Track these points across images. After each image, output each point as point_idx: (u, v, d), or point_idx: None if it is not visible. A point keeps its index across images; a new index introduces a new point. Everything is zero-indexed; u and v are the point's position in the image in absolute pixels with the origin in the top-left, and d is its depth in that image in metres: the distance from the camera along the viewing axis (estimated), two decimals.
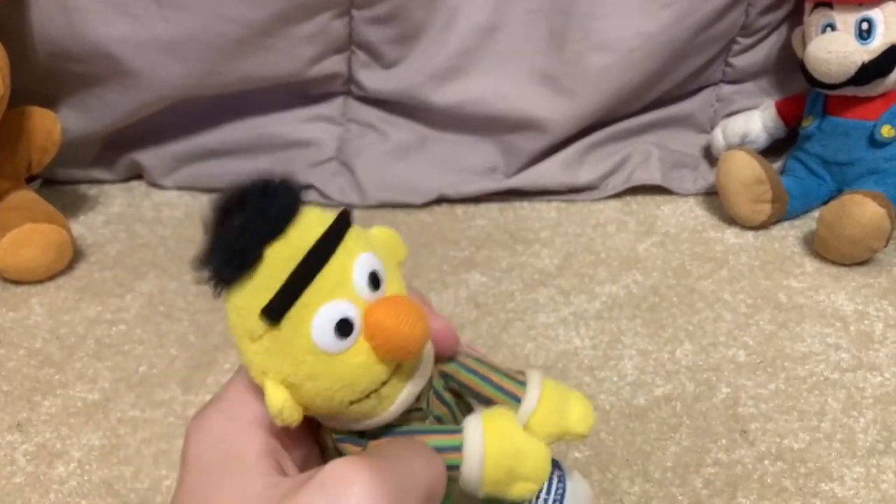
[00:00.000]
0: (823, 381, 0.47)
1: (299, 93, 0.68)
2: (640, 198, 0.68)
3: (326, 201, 0.67)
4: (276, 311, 0.22)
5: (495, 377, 0.27)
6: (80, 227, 0.64)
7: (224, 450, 0.25)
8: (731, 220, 0.64)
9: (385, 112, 0.70)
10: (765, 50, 0.69)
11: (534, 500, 0.29)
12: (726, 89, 0.71)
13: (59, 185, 0.70)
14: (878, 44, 0.59)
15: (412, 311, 0.23)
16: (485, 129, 0.68)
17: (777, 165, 0.68)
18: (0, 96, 0.53)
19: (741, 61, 0.69)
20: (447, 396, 0.27)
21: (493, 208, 0.67)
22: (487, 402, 0.27)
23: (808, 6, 0.63)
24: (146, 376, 0.48)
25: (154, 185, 0.70)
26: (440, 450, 0.25)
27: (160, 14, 0.60)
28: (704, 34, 0.65)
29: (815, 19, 0.62)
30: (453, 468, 0.25)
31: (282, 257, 0.23)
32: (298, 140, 0.69)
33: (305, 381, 0.23)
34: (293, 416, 0.23)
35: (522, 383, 0.27)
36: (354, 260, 0.24)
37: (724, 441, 0.43)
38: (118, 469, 0.42)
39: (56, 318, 0.53)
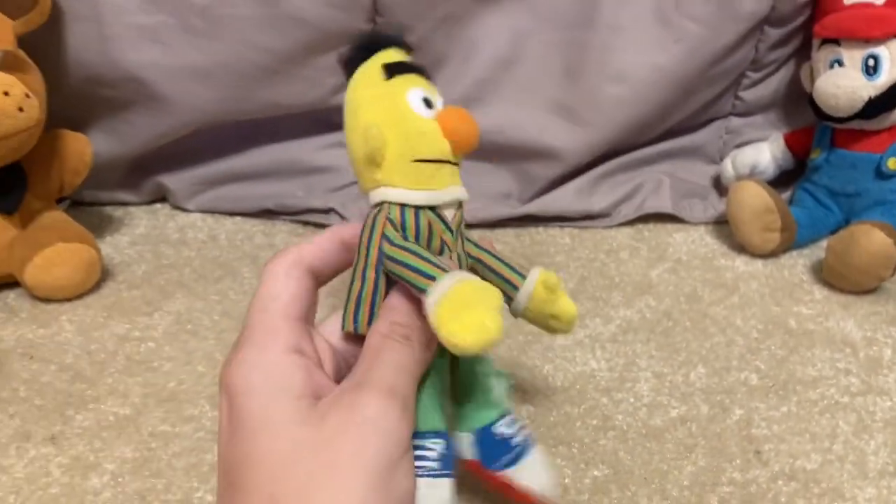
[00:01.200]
0: (834, 404, 0.48)
1: (322, 120, 0.70)
2: (651, 225, 0.70)
3: None
4: (394, 68, 0.33)
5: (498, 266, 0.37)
6: (107, 247, 0.66)
7: (263, 377, 0.29)
8: (740, 248, 0.65)
9: None
10: (774, 84, 0.71)
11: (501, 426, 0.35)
12: (736, 121, 0.73)
13: (85, 207, 0.72)
14: (884, 79, 0.61)
15: (471, 117, 0.33)
16: (501, 156, 0.70)
17: (786, 196, 0.70)
18: (36, 121, 0.55)
19: (751, 95, 0.71)
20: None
21: (509, 233, 0.69)
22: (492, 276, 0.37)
23: (816, 42, 0.65)
24: (175, 392, 0.50)
25: (178, 207, 0.72)
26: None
27: (191, 42, 0.62)
28: (715, 68, 0.67)
29: (823, 55, 0.64)
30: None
31: (396, 55, 0.34)
32: (320, 166, 0.71)
33: (393, 126, 0.32)
34: (378, 139, 0.31)
35: (522, 276, 0.37)
36: (436, 89, 0.34)
37: (738, 461, 0.44)
38: (150, 481, 0.43)
39: (86, 335, 0.55)
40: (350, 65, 0.34)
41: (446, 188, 0.33)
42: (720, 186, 0.72)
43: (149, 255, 0.65)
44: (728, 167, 0.70)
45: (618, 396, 0.49)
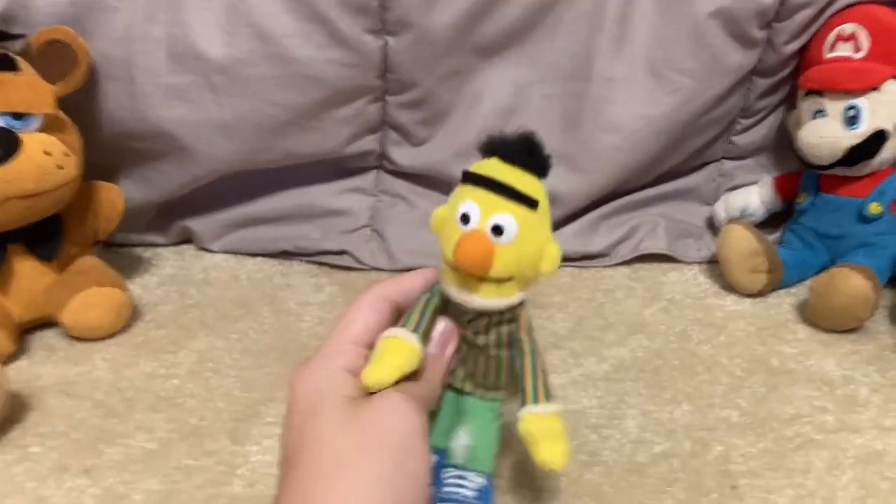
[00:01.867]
0: (809, 441, 0.52)
1: (337, 167, 0.75)
2: (647, 265, 0.74)
3: (360, 266, 0.74)
4: (468, 177, 0.36)
5: (531, 379, 0.40)
6: (137, 287, 0.71)
7: (320, 384, 0.36)
8: (731, 287, 0.69)
9: (414, 184, 0.76)
10: (764, 129, 0.75)
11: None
12: (728, 165, 0.77)
13: (117, 248, 0.77)
14: (864, 129, 0.64)
15: (483, 251, 0.35)
16: None
17: (775, 236, 0.74)
18: (74, 177, 0.60)
19: (742, 140, 0.75)
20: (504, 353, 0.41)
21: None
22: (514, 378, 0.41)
23: (801, 92, 0.69)
24: (197, 427, 0.54)
25: (203, 248, 0.77)
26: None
27: (215, 99, 0.67)
28: (706, 117, 0.71)
29: (807, 105, 0.67)
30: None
31: (510, 174, 0.36)
32: (335, 209, 0.76)
33: (445, 218, 0.37)
34: (435, 219, 0.38)
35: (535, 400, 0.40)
36: (507, 214, 0.35)
37: (715, 495, 0.48)
38: None
39: (117, 373, 0.59)
40: (485, 145, 0.38)
41: (448, 287, 0.38)
42: (714, 227, 0.76)
43: (175, 296, 0.70)
44: (720, 210, 0.74)
45: (606, 433, 0.53)
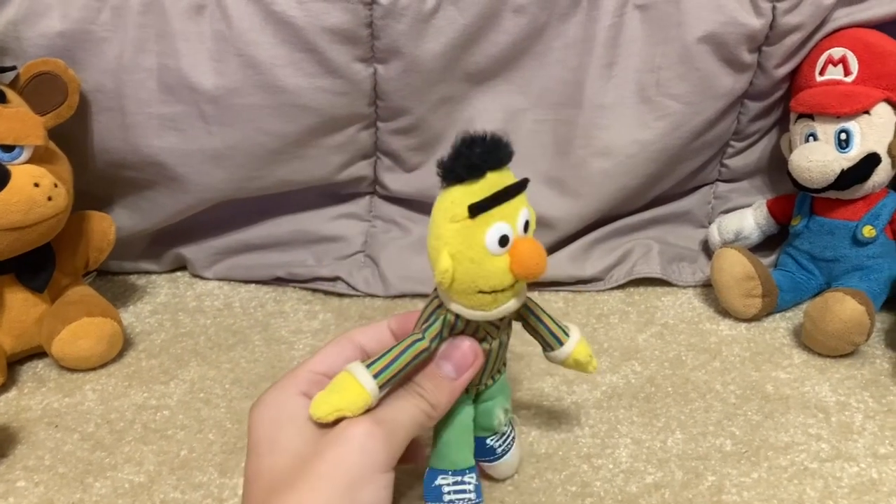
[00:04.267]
0: (803, 470, 0.51)
1: (330, 193, 0.75)
2: (641, 289, 0.74)
3: (354, 292, 0.73)
4: (477, 209, 0.36)
5: (553, 322, 0.46)
6: (129, 315, 0.71)
7: (275, 412, 0.37)
8: (726, 311, 0.68)
9: (407, 210, 0.76)
10: (757, 152, 0.74)
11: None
12: (722, 187, 0.77)
13: (110, 276, 0.77)
14: (855, 152, 0.64)
15: (541, 253, 0.37)
16: None
17: (770, 260, 0.73)
18: (64, 208, 0.60)
19: (735, 162, 0.75)
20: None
21: None
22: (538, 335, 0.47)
23: (792, 115, 0.69)
24: (187, 460, 0.53)
25: (196, 276, 0.77)
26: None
27: (206, 129, 0.68)
28: (699, 140, 0.71)
29: (799, 128, 0.67)
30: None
31: (492, 181, 0.36)
32: (329, 235, 0.76)
33: (465, 262, 0.36)
34: (448, 278, 0.37)
35: (566, 333, 0.47)
36: (523, 207, 0.38)
37: None
38: None
39: (107, 404, 0.59)
40: (446, 174, 0.36)
41: (499, 308, 0.39)
42: (708, 250, 0.75)
43: (167, 324, 0.70)
44: (714, 233, 0.74)
45: (597, 462, 0.52)
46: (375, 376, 0.38)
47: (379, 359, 0.39)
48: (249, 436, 0.37)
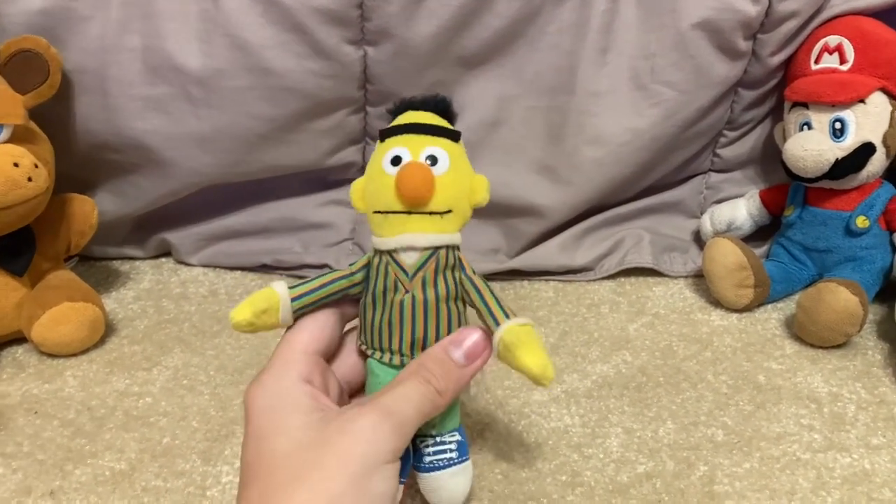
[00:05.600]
0: (795, 461, 0.50)
1: (318, 179, 0.74)
2: (633, 279, 0.73)
3: None
4: (385, 133, 0.40)
5: (495, 302, 0.41)
6: (112, 301, 0.70)
7: (277, 399, 0.36)
8: (717, 302, 0.68)
9: None
10: (750, 142, 0.74)
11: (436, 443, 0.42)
12: (715, 177, 0.76)
13: (93, 262, 0.76)
14: (850, 142, 0.63)
15: (425, 176, 0.38)
16: (488, 213, 0.73)
17: (762, 250, 0.73)
18: (45, 190, 0.59)
19: (728, 152, 0.74)
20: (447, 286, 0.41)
21: (495, 287, 0.70)
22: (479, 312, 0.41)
23: (787, 104, 0.68)
24: (169, 447, 0.52)
25: (181, 262, 0.76)
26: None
27: (192, 111, 0.66)
28: (691, 130, 0.70)
29: (793, 117, 0.67)
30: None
31: (414, 117, 0.40)
32: (316, 222, 0.74)
33: (368, 179, 0.40)
34: (356, 195, 0.41)
35: (507, 316, 0.39)
36: (433, 145, 0.39)
37: None
38: None
39: (88, 391, 0.58)
40: (389, 110, 0.42)
41: (395, 236, 0.39)
42: (700, 241, 0.75)
43: (151, 310, 0.68)
44: (706, 223, 0.73)
45: (588, 452, 0.51)
46: (296, 297, 0.40)
47: (305, 283, 0.41)
48: (250, 422, 0.36)
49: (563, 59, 0.68)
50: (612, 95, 0.68)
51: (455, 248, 0.41)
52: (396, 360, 0.41)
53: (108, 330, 0.64)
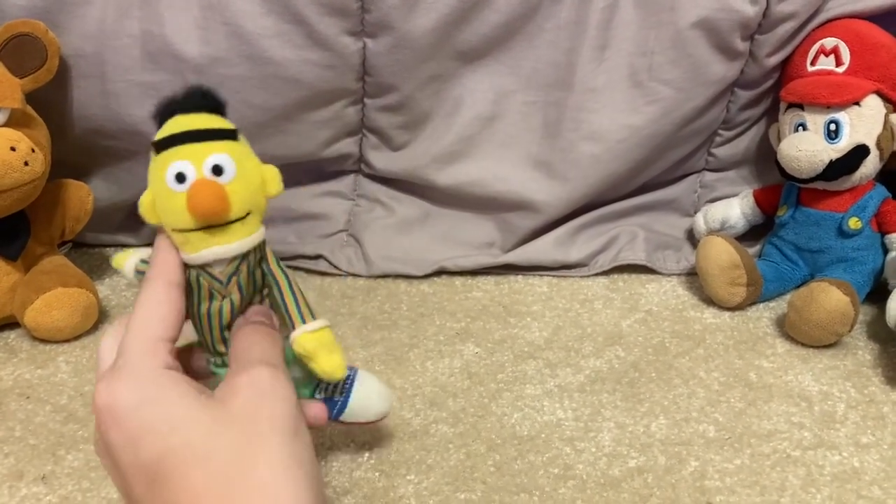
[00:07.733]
0: (786, 458, 0.51)
1: (314, 170, 0.74)
2: (626, 276, 0.73)
3: (335, 271, 0.72)
4: (159, 146, 0.37)
5: (293, 303, 0.41)
6: (105, 288, 0.69)
7: (156, 389, 0.33)
8: (709, 300, 0.68)
9: (392, 189, 0.75)
10: (745, 142, 0.74)
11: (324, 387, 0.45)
12: (709, 176, 0.76)
13: (87, 248, 0.75)
14: (844, 143, 0.64)
15: (216, 194, 0.36)
16: (483, 207, 0.74)
17: (755, 250, 0.73)
18: (41, 174, 0.58)
19: (723, 152, 0.75)
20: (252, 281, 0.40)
21: (489, 281, 0.72)
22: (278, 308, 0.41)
23: (782, 105, 0.68)
24: None
25: None
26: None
27: None
28: (688, 128, 0.71)
29: (788, 118, 0.67)
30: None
31: (185, 122, 0.37)
32: (312, 213, 0.74)
33: (157, 197, 0.37)
34: (146, 211, 0.38)
35: (303, 321, 0.40)
36: (215, 153, 0.37)
37: None
38: None
39: (81, 377, 0.58)
40: (158, 122, 0.38)
41: (199, 252, 0.37)
42: (693, 239, 0.75)
43: None
44: (700, 221, 0.73)
45: (580, 446, 0.52)
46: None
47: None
48: (117, 424, 0.32)
49: (561, 56, 0.68)
50: (609, 92, 0.69)
51: (261, 244, 0.40)
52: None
53: (100, 317, 0.64)
